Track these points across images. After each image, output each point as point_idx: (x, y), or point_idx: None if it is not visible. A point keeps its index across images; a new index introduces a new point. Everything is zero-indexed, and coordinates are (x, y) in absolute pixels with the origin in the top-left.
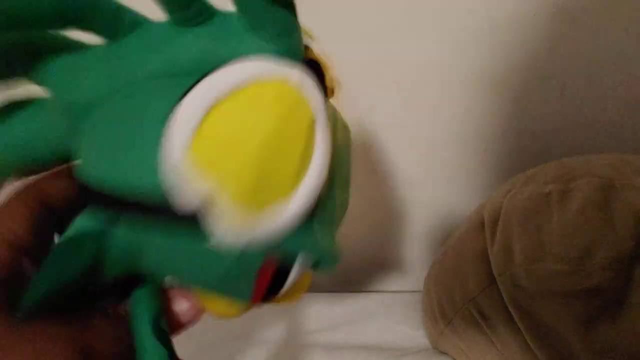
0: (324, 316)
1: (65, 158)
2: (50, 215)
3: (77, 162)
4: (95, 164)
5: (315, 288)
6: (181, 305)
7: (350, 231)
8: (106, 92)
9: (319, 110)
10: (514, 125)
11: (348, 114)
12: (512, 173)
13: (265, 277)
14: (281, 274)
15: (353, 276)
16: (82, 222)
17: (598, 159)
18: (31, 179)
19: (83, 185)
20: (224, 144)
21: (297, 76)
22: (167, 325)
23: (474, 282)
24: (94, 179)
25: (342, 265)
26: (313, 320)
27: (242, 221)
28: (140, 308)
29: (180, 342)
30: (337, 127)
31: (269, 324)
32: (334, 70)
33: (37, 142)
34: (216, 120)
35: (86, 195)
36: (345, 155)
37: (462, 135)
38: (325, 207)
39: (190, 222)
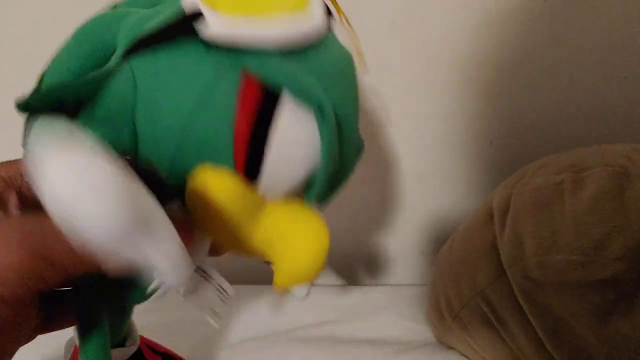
0: (328, 309)
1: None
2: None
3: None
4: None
5: (320, 281)
6: None
7: (355, 223)
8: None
9: None
10: (520, 117)
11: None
12: (519, 166)
13: (245, 112)
14: (264, 127)
15: (357, 269)
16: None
17: (610, 148)
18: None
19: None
20: None
21: None
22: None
23: (482, 275)
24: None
25: (346, 258)
26: (317, 314)
27: (229, 21)
28: None
29: (180, 335)
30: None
31: (273, 317)
32: None
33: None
34: None
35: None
36: (341, 54)
37: (468, 128)
38: (314, 62)
39: (186, 40)
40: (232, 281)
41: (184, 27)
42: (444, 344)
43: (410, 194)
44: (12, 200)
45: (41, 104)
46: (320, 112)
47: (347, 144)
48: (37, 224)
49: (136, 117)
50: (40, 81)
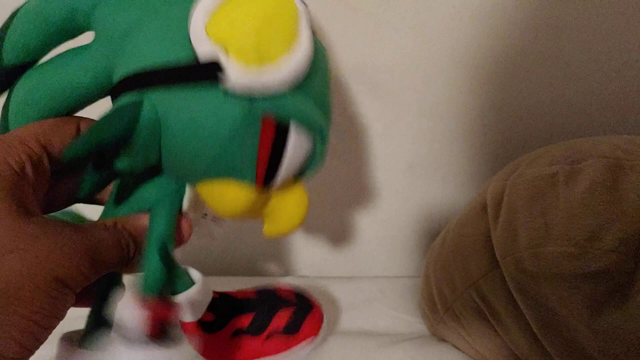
0: (321, 300)
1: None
2: (44, 156)
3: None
4: (135, 52)
5: (313, 272)
6: (186, 230)
7: (347, 215)
8: (140, 16)
9: (302, 9)
10: (514, 109)
11: (348, 97)
12: (513, 158)
13: (265, 145)
14: (278, 151)
15: (349, 261)
16: (120, 102)
17: (605, 140)
18: (36, 123)
19: (122, 80)
20: (230, 21)
21: None
22: (172, 248)
23: (475, 266)
24: (133, 65)
25: (337, 250)
26: None
27: (245, 72)
28: (156, 227)
29: None
30: (316, 32)
31: None
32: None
33: (83, 74)
34: (225, 9)
35: (124, 86)
36: (324, 62)
37: (462, 120)
38: (310, 87)
39: (206, 85)
40: (228, 273)
41: (197, 70)
42: (437, 336)
43: (404, 186)
44: (30, 192)
45: (83, 151)
46: (319, 135)
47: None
48: (96, 243)
49: (162, 145)
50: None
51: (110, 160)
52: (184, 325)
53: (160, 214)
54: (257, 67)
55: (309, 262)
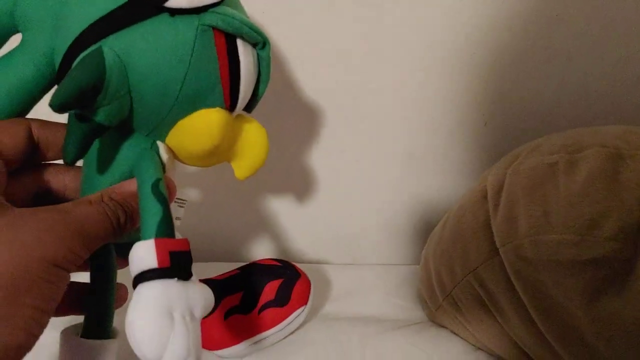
0: (320, 288)
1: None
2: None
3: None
4: (74, 17)
5: (313, 260)
6: (172, 182)
7: (346, 203)
8: None
9: None
10: (515, 98)
11: (347, 88)
12: (513, 147)
13: (222, 56)
14: (234, 64)
15: (348, 249)
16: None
17: (604, 129)
18: None
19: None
20: None
21: None
22: (165, 189)
23: (475, 254)
24: (76, 28)
25: (337, 238)
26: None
27: None
28: (144, 175)
29: None
30: None
31: None
32: None
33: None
34: None
35: (75, 49)
36: None
37: (463, 109)
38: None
39: (153, 17)
40: (222, 259)
41: (140, 4)
42: (435, 323)
43: (404, 175)
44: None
45: (68, 99)
46: (264, 43)
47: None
48: (82, 220)
49: (131, 89)
50: None
51: (89, 117)
52: None
53: (144, 165)
54: None
55: (310, 250)
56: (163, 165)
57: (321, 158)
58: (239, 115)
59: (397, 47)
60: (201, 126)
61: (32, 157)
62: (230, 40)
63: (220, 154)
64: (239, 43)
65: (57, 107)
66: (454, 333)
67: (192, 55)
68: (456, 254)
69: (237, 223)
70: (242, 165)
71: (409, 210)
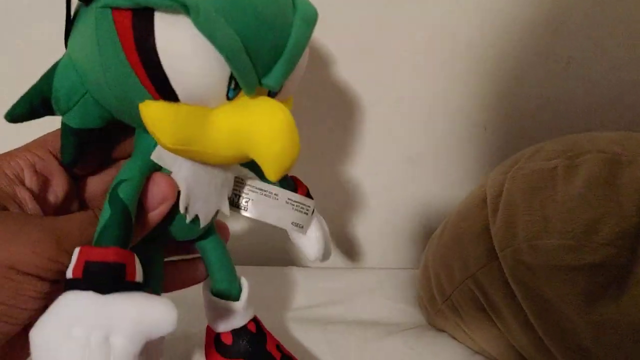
0: (319, 291)
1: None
2: (57, 163)
3: None
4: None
5: (314, 263)
6: (159, 184)
7: (346, 206)
8: None
9: None
10: (514, 103)
11: (348, 90)
12: (512, 152)
13: (125, 38)
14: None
15: (347, 252)
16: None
17: (603, 135)
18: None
19: None
20: None
21: None
22: (129, 192)
23: (474, 258)
24: None
25: (336, 241)
26: (308, 295)
27: None
28: (118, 175)
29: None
30: None
31: (264, 299)
32: None
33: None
34: None
35: None
36: None
37: (462, 113)
38: None
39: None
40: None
41: None
42: (434, 327)
43: (403, 179)
44: (26, 194)
45: (19, 112)
46: (184, 8)
47: (254, 14)
48: (63, 226)
49: (89, 92)
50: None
51: (66, 124)
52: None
53: (127, 164)
54: None
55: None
56: (155, 163)
57: (320, 162)
58: (245, 100)
59: (397, 52)
60: (145, 123)
61: (105, 156)
62: (142, 17)
63: (202, 149)
64: (158, 17)
65: (8, 119)
66: (453, 337)
67: (98, 43)
68: (455, 258)
69: (235, 226)
70: (264, 165)
71: (409, 214)
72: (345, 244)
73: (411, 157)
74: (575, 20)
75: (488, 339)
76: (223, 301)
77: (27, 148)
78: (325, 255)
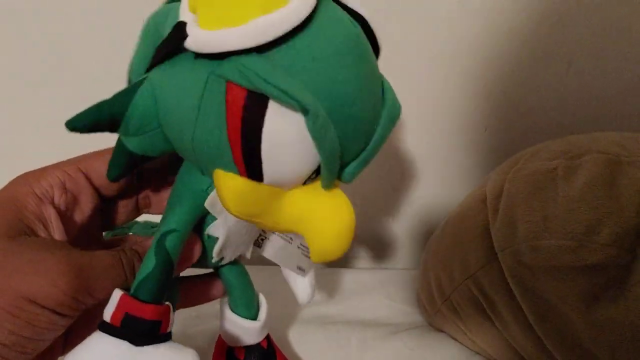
0: (319, 291)
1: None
2: (87, 181)
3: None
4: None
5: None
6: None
7: None
8: None
9: None
10: (515, 104)
11: None
12: (513, 153)
13: (232, 114)
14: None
15: (348, 252)
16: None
17: (604, 136)
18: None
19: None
20: None
21: None
22: (175, 244)
23: (474, 258)
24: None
25: None
26: None
27: (206, 32)
28: (164, 222)
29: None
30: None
31: (264, 298)
32: None
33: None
34: None
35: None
36: (344, 38)
37: (463, 114)
38: (298, 54)
39: (183, 54)
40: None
41: (171, 38)
42: (434, 327)
43: (404, 179)
44: (52, 215)
45: (83, 123)
46: (304, 111)
47: (354, 121)
48: (87, 262)
49: (163, 127)
50: (129, 79)
51: (123, 143)
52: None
53: (175, 210)
54: (218, 26)
55: None
56: (204, 209)
57: None
58: (314, 186)
59: (397, 53)
60: (218, 187)
61: (133, 181)
62: (258, 101)
63: (263, 222)
64: (272, 107)
65: (69, 128)
66: (453, 337)
67: (201, 102)
68: (455, 258)
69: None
70: (313, 249)
71: (408, 215)
72: None
73: (411, 157)
74: (576, 21)
75: (487, 339)
76: (241, 319)
77: (58, 166)
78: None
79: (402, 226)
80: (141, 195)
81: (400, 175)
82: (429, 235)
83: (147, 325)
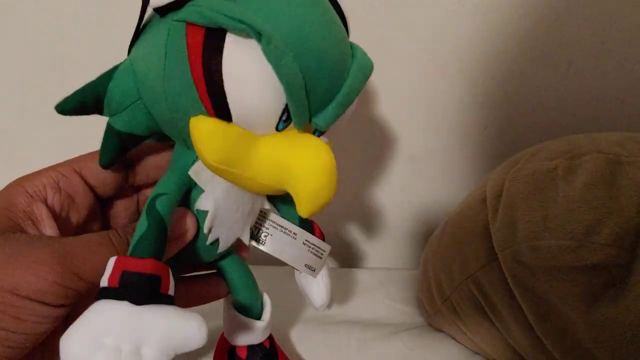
0: None
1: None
2: (82, 181)
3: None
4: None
5: None
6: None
7: (346, 206)
8: None
9: None
10: (515, 103)
11: None
12: (513, 152)
13: (193, 51)
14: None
15: (347, 252)
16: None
17: (604, 136)
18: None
19: None
20: None
21: None
22: (166, 206)
23: (473, 258)
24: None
25: (336, 241)
26: None
27: None
28: (154, 189)
29: None
30: None
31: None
32: None
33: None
34: None
35: None
36: None
37: (463, 113)
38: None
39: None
40: None
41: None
42: (434, 327)
43: (403, 178)
44: (43, 212)
45: (70, 106)
46: (257, 36)
47: (316, 55)
48: (71, 247)
49: (142, 98)
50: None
51: (112, 126)
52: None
53: (163, 178)
54: None
55: None
56: (190, 180)
57: None
58: (293, 133)
59: (397, 51)
60: (192, 135)
61: (128, 179)
62: (214, 36)
63: (252, 175)
64: (229, 39)
65: (59, 112)
66: (452, 338)
67: (165, 54)
68: (455, 258)
69: None
70: (299, 199)
71: (408, 214)
72: (345, 244)
73: (411, 156)
74: (576, 21)
75: (487, 339)
76: (245, 319)
77: (53, 167)
78: (329, 304)
79: (401, 226)
80: (141, 197)
81: (400, 175)
82: (429, 235)
83: (146, 280)
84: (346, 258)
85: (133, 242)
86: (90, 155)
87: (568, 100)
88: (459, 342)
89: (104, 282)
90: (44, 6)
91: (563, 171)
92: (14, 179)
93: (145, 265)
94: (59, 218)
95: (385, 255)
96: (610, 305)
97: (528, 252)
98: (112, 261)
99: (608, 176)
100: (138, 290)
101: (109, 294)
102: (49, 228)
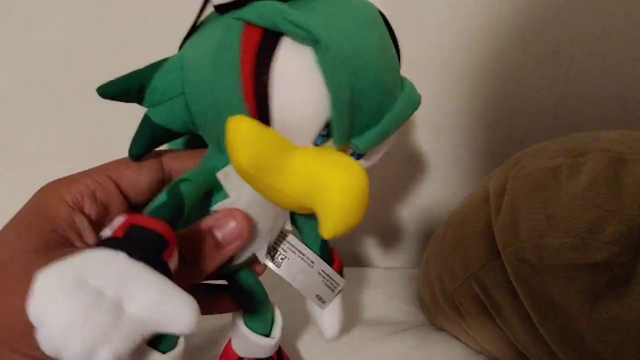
0: None
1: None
2: (117, 191)
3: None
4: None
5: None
6: (228, 225)
7: None
8: None
9: None
10: (518, 102)
11: None
12: (516, 151)
13: (246, 52)
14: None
15: (349, 251)
16: None
17: (607, 134)
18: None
19: None
20: None
21: None
22: (189, 191)
23: (476, 257)
24: None
25: (337, 241)
26: None
27: None
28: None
29: None
30: None
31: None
32: None
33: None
34: None
35: None
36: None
37: (465, 112)
38: (319, 4)
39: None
40: None
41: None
42: (436, 326)
43: (405, 177)
44: (85, 223)
45: (114, 89)
46: (317, 46)
47: (368, 74)
48: None
49: (185, 94)
50: None
51: (149, 117)
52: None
53: (189, 172)
54: None
55: None
56: (215, 183)
57: None
58: (325, 150)
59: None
60: (228, 134)
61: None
62: (271, 38)
63: (280, 187)
64: (285, 43)
65: (100, 94)
66: (455, 336)
67: (218, 50)
68: (457, 257)
69: None
70: (324, 218)
71: (411, 213)
72: (345, 244)
73: (413, 155)
74: (576, 21)
75: (490, 338)
76: (255, 335)
77: (88, 174)
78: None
79: (403, 225)
80: None
81: (402, 174)
82: (431, 234)
83: (151, 237)
84: (347, 257)
85: (149, 209)
86: (126, 162)
87: (571, 98)
88: (461, 341)
89: (106, 233)
90: (44, 6)
91: (566, 169)
92: (14, 179)
93: (155, 223)
94: (94, 229)
95: (385, 255)
96: (614, 303)
97: (531, 250)
98: (122, 216)
99: (611, 174)
100: (140, 243)
101: (107, 242)
102: (90, 239)
